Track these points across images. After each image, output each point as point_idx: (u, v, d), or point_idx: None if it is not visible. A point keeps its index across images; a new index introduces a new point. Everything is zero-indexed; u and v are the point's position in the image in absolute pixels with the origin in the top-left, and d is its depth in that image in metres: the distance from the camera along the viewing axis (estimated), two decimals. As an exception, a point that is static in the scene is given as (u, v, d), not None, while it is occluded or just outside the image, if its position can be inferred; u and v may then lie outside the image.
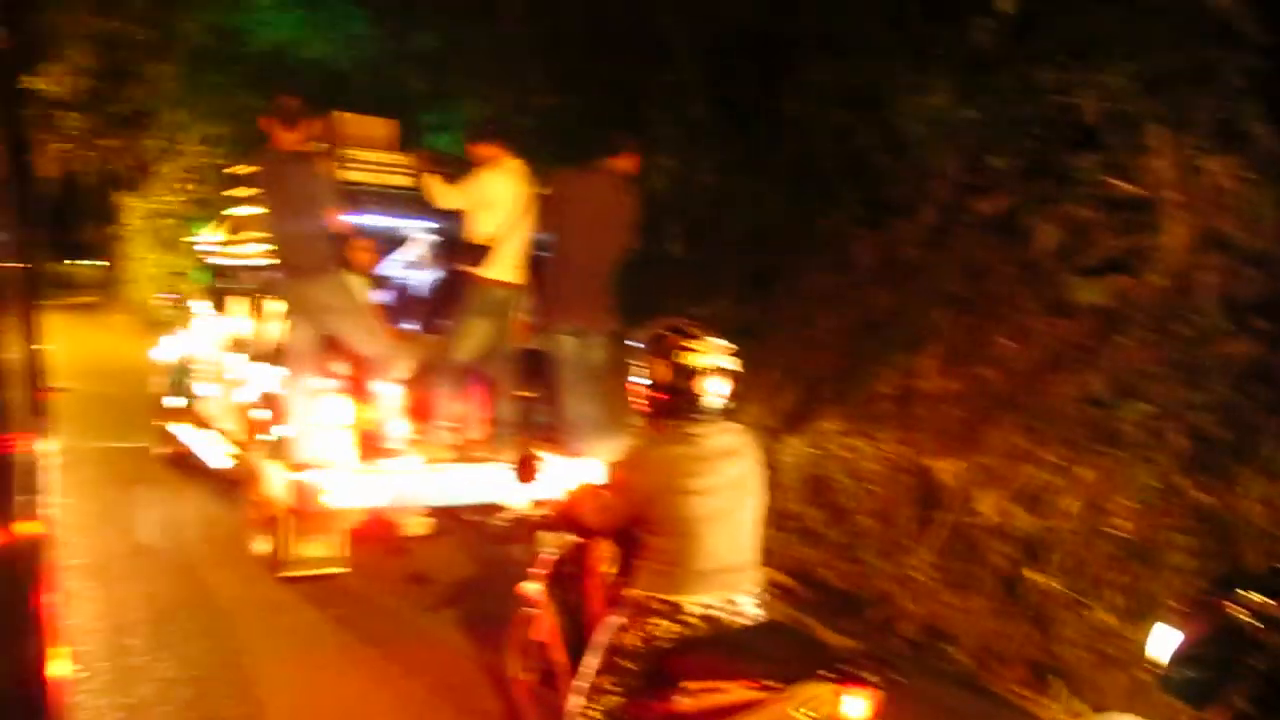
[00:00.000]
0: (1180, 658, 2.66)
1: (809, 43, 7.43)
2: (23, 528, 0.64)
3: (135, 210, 22.11)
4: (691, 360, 3.21)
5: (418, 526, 6.41)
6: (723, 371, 3.25)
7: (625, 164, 6.37)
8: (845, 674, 2.69)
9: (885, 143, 6.88)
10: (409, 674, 4.95)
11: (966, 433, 5.98)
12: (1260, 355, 4.97)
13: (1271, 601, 2.54)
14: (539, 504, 4.07)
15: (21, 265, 0.63)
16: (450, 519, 6.76)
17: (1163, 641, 2.69)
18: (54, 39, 17.60)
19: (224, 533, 7.11)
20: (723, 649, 3.06)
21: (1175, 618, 2.76)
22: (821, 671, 2.71)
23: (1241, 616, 2.54)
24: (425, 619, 5.77)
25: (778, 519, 7.00)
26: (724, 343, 3.29)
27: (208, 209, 16.80)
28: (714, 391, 3.23)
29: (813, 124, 7.41)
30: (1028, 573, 5.29)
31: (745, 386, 7.73)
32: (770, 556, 6.60)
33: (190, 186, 19.07)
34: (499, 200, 5.97)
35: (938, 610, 5.67)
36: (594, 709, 3.21)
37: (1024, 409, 5.71)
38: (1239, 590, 2.59)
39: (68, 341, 16.64)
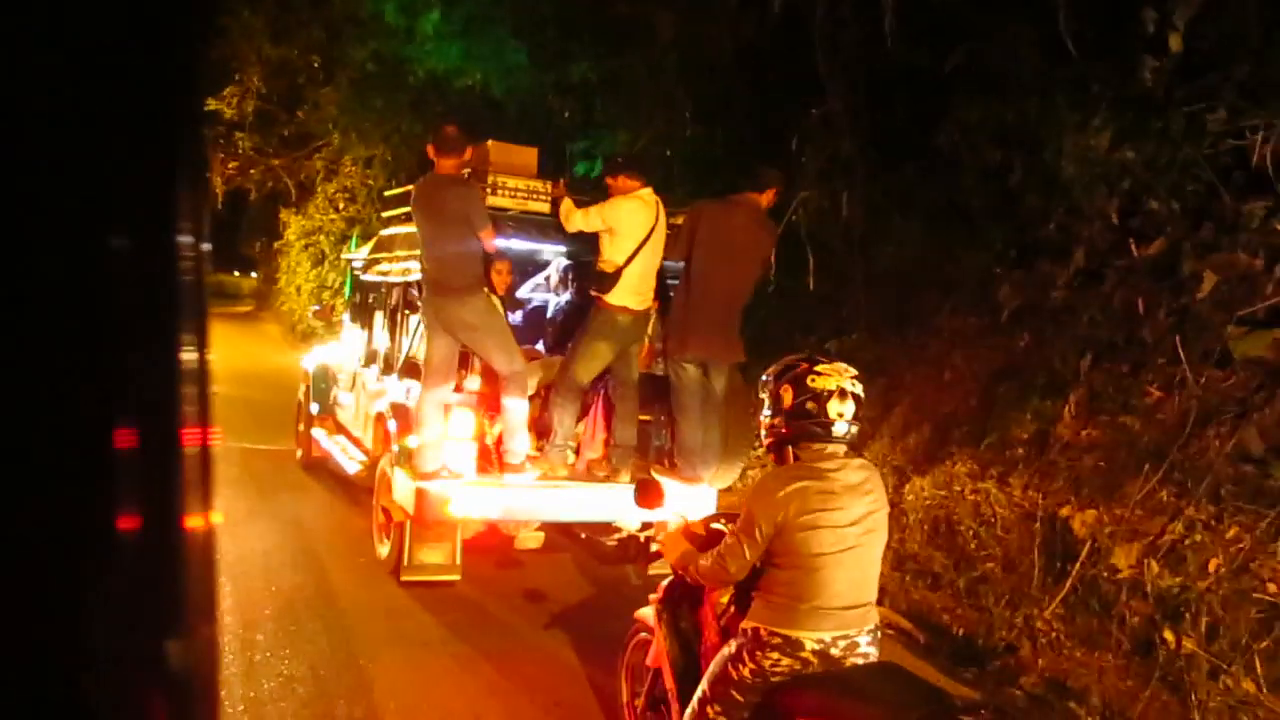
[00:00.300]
0: None
1: (964, 79, 7.31)
2: (197, 520, 0.66)
3: (293, 226, 23.20)
4: (819, 383, 3.12)
5: (531, 541, 6.46)
6: (847, 394, 3.13)
7: (765, 198, 6.32)
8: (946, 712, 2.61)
9: (1038, 182, 6.69)
10: (519, 689, 4.93)
11: (1105, 483, 5.73)
12: None
13: None
14: (648, 526, 3.96)
15: (200, 274, 0.71)
16: (564, 535, 6.87)
17: None
18: (231, 64, 18.66)
19: (351, 536, 7.30)
20: (837, 688, 2.98)
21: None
22: (909, 707, 2.64)
23: None
24: (537, 634, 5.75)
25: (898, 560, 6.82)
26: (849, 368, 3.22)
27: (359, 227, 17.59)
28: (839, 413, 3.12)
29: (963, 162, 7.27)
30: (1167, 633, 5.00)
31: (874, 424, 7.67)
32: (890, 598, 6.49)
33: (344, 205, 19.92)
34: (628, 229, 6.03)
35: (1064, 665, 5.41)
36: None
37: (1169, 462, 5.43)
38: None
39: (221, 348, 17.44)
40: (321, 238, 21.30)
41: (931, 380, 7.35)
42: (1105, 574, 5.47)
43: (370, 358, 7.94)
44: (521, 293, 7.65)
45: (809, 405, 3.12)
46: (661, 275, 6.39)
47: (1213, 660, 4.77)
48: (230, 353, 18.05)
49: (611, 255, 6.05)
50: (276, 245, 25.92)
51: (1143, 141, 6.06)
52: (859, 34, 8.66)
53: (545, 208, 6.50)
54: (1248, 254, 5.47)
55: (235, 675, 4.76)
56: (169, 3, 0.76)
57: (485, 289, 6.25)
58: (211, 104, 18.25)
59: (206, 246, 0.76)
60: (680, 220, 6.38)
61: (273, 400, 11.98)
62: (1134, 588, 5.27)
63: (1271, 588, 4.73)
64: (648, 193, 6.14)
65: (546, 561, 6.87)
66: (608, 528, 6.60)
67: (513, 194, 6.46)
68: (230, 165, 21.13)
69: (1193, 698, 4.76)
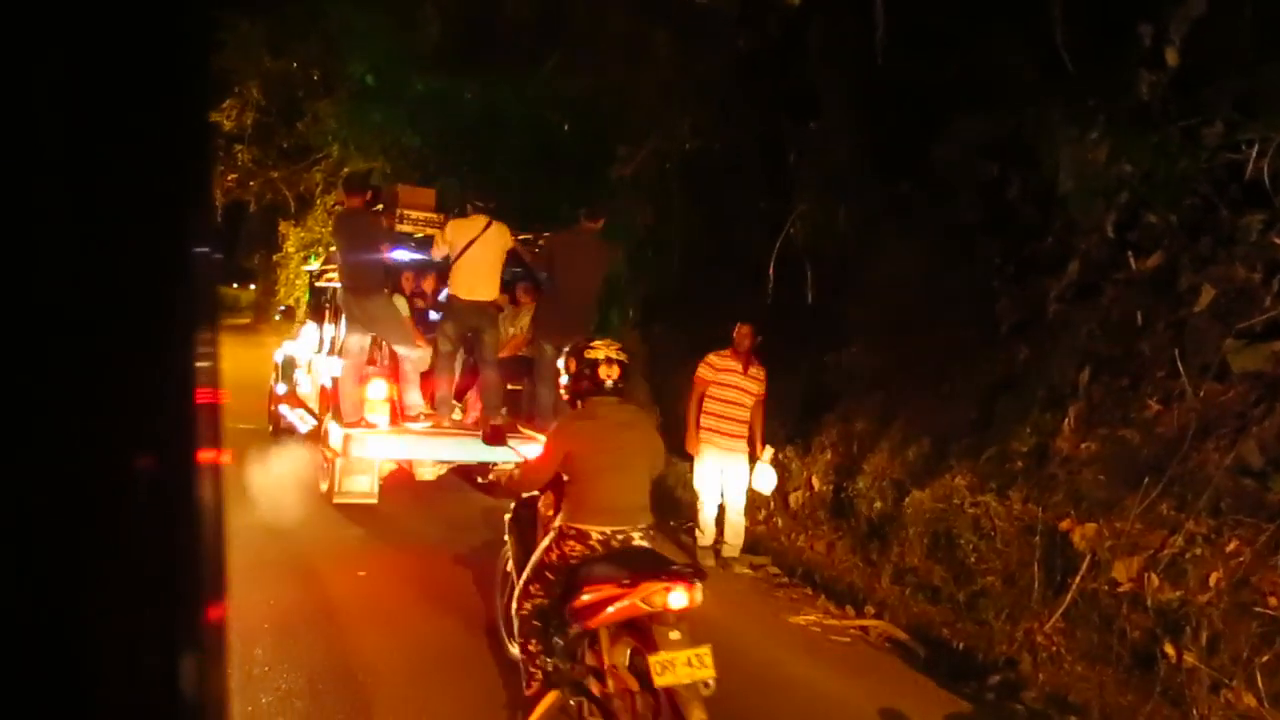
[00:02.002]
0: None
1: (961, 93, 7.33)
2: (209, 455, 0.78)
3: (292, 239, 23.20)
4: (591, 355, 4.56)
5: (428, 473, 8.56)
6: (613, 361, 4.57)
7: (598, 225, 8.28)
8: (672, 575, 3.96)
9: (1035, 196, 6.71)
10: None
11: (1104, 496, 5.73)
12: None
13: None
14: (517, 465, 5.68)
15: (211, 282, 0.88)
16: (457, 474, 9.00)
17: None
18: (230, 77, 18.67)
19: (308, 480, 9.12)
20: (607, 563, 4.23)
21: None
22: (657, 575, 3.97)
23: None
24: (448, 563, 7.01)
25: (898, 573, 6.82)
26: (615, 343, 4.65)
27: (319, 247, 17.81)
28: (607, 375, 4.54)
29: (960, 175, 7.29)
30: (1168, 647, 4.99)
31: (873, 438, 7.67)
32: (890, 611, 6.49)
33: (339, 217, 19.89)
34: (458, 242, 8.00)
35: (1064, 679, 5.41)
36: (525, 607, 4.50)
37: (1169, 475, 5.43)
38: None
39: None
40: (320, 250, 21.29)
41: (930, 393, 7.36)
42: (1105, 588, 5.47)
43: (319, 345, 10.07)
44: (443, 296, 9.45)
45: (586, 371, 4.58)
46: (536, 283, 8.80)
47: (1214, 674, 4.77)
48: (227, 365, 18.02)
49: (458, 263, 8.06)
50: (275, 258, 25.91)
51: (1139, 155, 6.07)
52: (855, 48, 8.68)
53: (439, 232, 8.41)
54: (1245, 267, 5.48)
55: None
56: (175, 17, 0.82)
57: (386, 290, 8.33)
58: (211, 116, 18.23)
59: (217, 256, 0.89)
60: (543, 241, 8.68)
61: (254, 392, 13.35)
62: (1134, 601, 5.27)
63: (1272, 601, 4.73)
64: (479, 218, 8.11)
65: (442, 492, 8.99)
66: (487, 466, 8.75)
67: (415, 223, 8.68)
68: (229, 178, 21.12)
69: (1194, 712, 4.76)
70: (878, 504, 7.36)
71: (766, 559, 7.69)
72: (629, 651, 4.10)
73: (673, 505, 8.74)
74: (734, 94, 10.13)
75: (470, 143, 15.13)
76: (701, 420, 7.58)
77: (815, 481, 8.08)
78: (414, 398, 8.17)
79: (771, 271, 9.14)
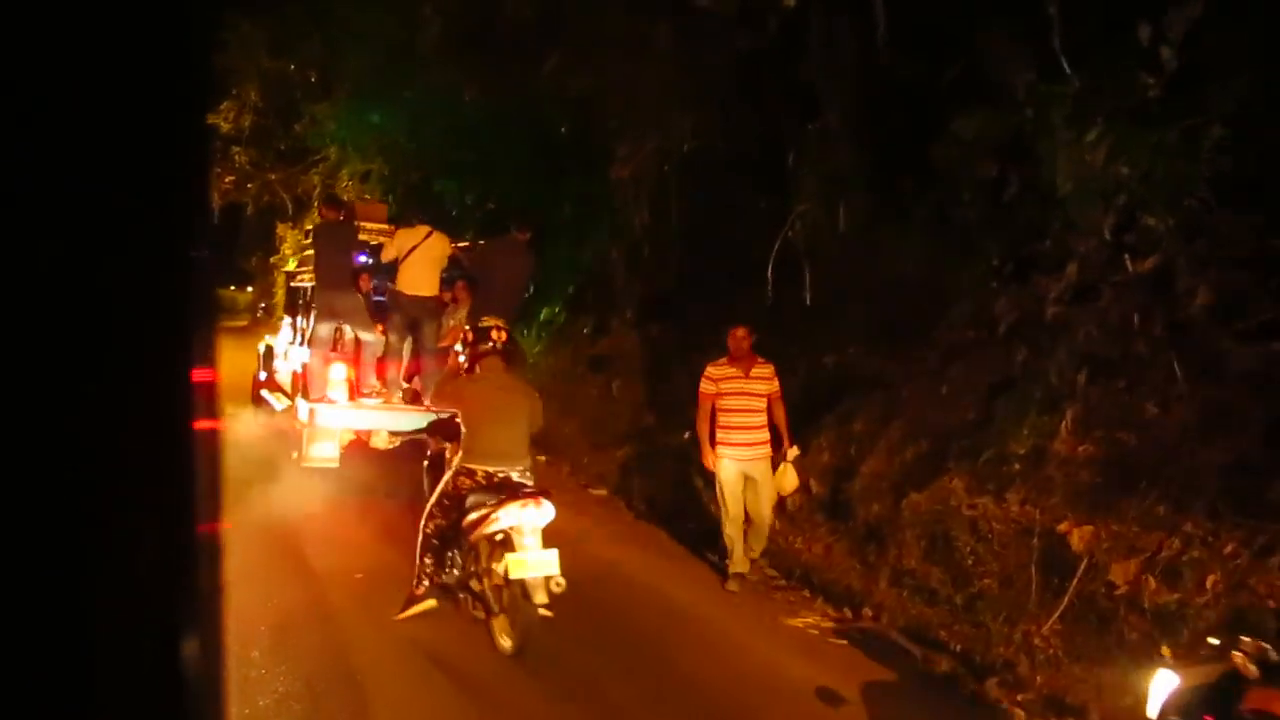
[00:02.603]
0: (1177, 704, 2.79)
1: (960, 93, 7.31)
2: (206, 424, 0.97)
3: (289, 241, 23.17)
4: (482, 325, 6.25)
5: (381, 443, 9.92)
6: (502, 329, 6.40)
7: (525, 236, 9.62)
8: (526, 495, 5.56)
9: (1034, 197, 6.70)
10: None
11: (1101, 498, 5.71)
12: None
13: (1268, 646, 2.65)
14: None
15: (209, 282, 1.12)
16: (410, 443, 9.74)
17: (1161, 687, 2.86)
18: (229, 78, 18.61)
19: (282, 450, 10.29)
20: (485, 492, 5.78)
21: (1176, 664, 2.84)
22: (515, 496, 5.57)
23: (1239, 661, 2.63)
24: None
25: (895, 575, 6.80)
26: (500, 319, 6.66)
27: (292, 251, 18.18)
28: (497, 338, 6.22)
29: (959, 175, 7.27)
30: (1165, 650, 4.98)
31: (871, 439, 7.65)
32: (888, 614, 6.48)
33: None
34: (403, 247, 9.52)
35: (1062, 681, 5.39)
36: (429, 528, 6.01)
37: (1165, 477, 5.42)
38: (1244, 637, 2.70)
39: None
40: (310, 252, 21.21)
41: (928, 394, 7.34)
42: (1103, 590, 5.46)
43: (294, 336, 11.43)
44: (376, 290, 11.02)
45: (480, 336, 6.29)
46: (472, 282, 10.02)
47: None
48: (225, 369, 18.09)
49: (404, 264, 9.58)
50: (273, 260, 25.89)
51: (1138, 156, 6.04)
52: (855, 48, 8.67)
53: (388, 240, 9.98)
54: (1242, 268, 5.47)
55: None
56: (177, 19, 0.89)
57: (354, 288, 9.87)
58: (209, 118, 18.14)
59: (207, 254, 0.98)
60: (477, 247, 10.32)
61: (242, 384, 14.18)
62: (1131, 604, 5.26)
63: (1270, 604, 4.71)
64: (422, 228, 9.65)
65: (395, 455, 9.92)
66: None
67: (370, 233, 10.25)
68: (226, 180, 21.09)
69: (1191, 714, 4.74)
70: (875, 506, 7.33)
71: (764, 560, 7.67)
72: (501, 556, 5.42)
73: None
74: (733, 94, 10.11)
75: (470, 144, 15.13)
76: (717, 434, 7.18)
77: (813, 483, 8.05)
78: (370, 378, 9.81)
79: (770, 272, 9.13)
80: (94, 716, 0.86)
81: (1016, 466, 6.35)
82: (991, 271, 7.13)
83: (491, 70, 13.61)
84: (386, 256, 9.71)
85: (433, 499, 6.06)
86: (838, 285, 8.86)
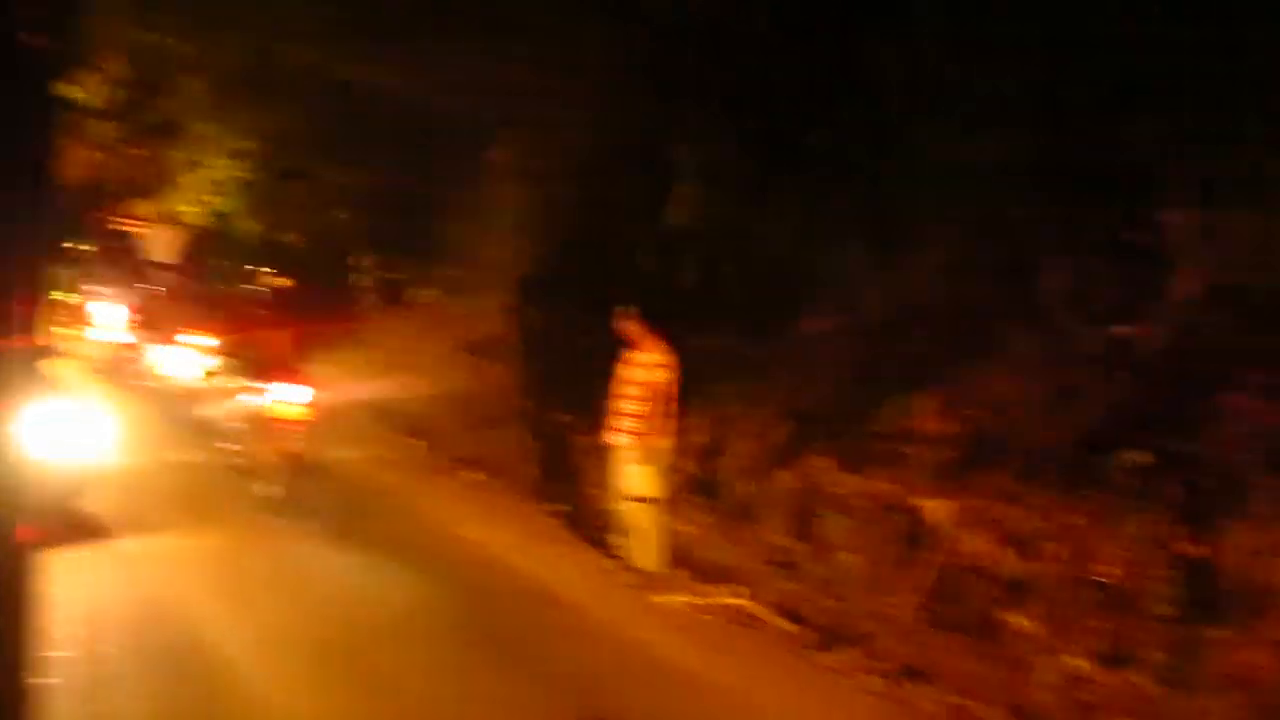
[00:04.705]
0: None
1: (834, 85, 7.51)
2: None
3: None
4: None
5: None
6: None
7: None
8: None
9: (904, 184, 6.91)
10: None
11: (958, 474, 5.94)
12: (1258, 409, 4.93)
13: None
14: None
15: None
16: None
17: None
18: (92, 48, 17.78)
19: None
20: None
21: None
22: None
23: None
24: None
25: (768, 551, 6.94)
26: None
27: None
28: None
29: (832, 161, 7.46)
30: (1011, 616, 5.22)
31: (742, 420, 7.77)
32: (755, 589, 6.59)
33: (208, 198, 19.17)
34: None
35: (918, 649, 5.59)
36: None
37: (1017, 452, 5.67)
38: None
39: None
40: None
41: (798, 376, 7.50)
42: (957, 561, 5.67)
43: None
44: None
45: None
46: None
47: (1050, 640, 5.00)
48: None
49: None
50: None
51: (1001, 144, 6.30)
52: (735, 41, 8.78)
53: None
54: (1094, 255, 5.76)
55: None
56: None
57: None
58: (70, 91, 17.39)
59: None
60: None
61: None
62: (982, 573, 5.48)
63: (1109, 570, 4.98)
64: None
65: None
66: None
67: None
68: (89, 155, 20.18)
69: (1033, 676, 4.98)
70: (745, 485, 7.46)
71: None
72: None
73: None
74: (617, 81, 10.14)
75: (348, 124, 14.82)
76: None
77: (686, 464, 8.13)
78: None
79: (644, 257, 9.21)
80: None
81: (880, 446, 6.54)
82: (862, 255, 7.32)
83: (375, 49, 13.34)
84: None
85: None
86: (713, 270, 8.98)
